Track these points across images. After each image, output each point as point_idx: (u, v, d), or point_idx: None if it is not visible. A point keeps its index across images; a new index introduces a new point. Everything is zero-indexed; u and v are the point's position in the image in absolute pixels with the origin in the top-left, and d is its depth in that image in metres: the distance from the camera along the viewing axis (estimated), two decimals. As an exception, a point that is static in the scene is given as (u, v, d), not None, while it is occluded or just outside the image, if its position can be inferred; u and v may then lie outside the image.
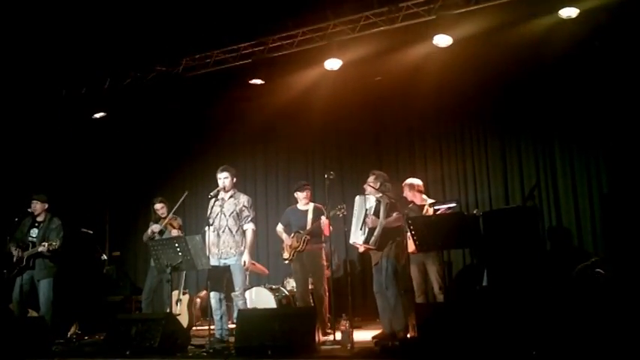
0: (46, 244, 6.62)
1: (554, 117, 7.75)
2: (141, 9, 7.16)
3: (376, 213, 5.89)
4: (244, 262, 6.00)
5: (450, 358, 4.46)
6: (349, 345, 5.18)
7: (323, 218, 6.64)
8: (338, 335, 5.68)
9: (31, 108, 8.91)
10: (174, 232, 7.13)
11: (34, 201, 6.99)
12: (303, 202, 6.98)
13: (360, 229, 5.97)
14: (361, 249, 6.13)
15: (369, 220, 5.91)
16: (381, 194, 5.94)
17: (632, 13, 6.81)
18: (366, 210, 5.96)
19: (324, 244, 6.88)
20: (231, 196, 6.20)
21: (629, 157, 7.11)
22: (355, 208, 6.09)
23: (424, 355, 4.55)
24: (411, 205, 6.42)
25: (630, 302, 5.02)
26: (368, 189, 6.17)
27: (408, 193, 6.52)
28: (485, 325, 4.49)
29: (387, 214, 5.88)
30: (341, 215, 6.44)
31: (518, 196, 7.82)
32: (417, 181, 6.61)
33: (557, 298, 5.18)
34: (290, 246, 6.84)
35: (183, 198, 6.73)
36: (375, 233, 5.85)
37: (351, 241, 6.12)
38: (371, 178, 6.16)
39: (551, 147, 7.77)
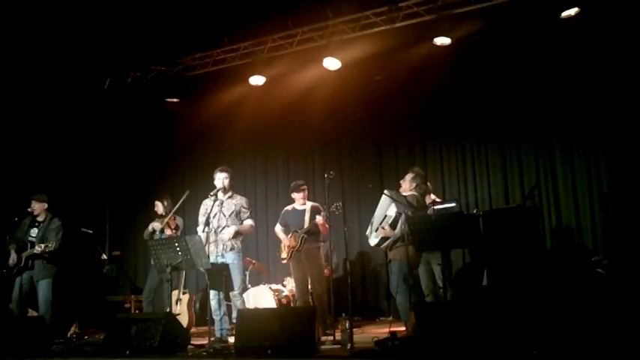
0: (42, 245, 6.61)
1: (554, 117, 7.76)
2: (141, 8, 7.16)
3: (393, 225, 5.82)
4: (230, 232, 6.09)
5: (449, 357, 4.46)
6: (349, 345, 5.17)
7: (318, 217, 6.63)
8: (338, 335, 5.68)
9: (31, 108, 8.91)
10: (168, 233, 7.14)
11: (33, 201, 6.98)
12: (300, 202, 6.97)
13: (375, 231, 5.99)
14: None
15: (383, 231, 5.89)
16: (409, 193, 5.94)
17: (633, 12, 6.82)
18: (385, 217, 5.92)
19: (322, 244, 6.87)
20: (229, 197, 6.27)
21: (629, 157, 7.12)
22: (379, 205, 6.08)
23: (424, 354, 4.54)
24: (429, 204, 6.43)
25: (630, 302, 5.02)
26: (403, 185, 6.16)
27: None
28: (485, 324, 4.49)
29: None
30: (337, 213, 6.44)
31: (518, 195, 7.84)
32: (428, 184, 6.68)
33: (557, 298, 5.18)
34: (288, 246, 6.84)
35: (184, 197, 6.74)
36: (387, 242, 5.89)
37: (367, 234, 6.20)
38: (409, 176, 6.14)
39: (551, 147, 7.78)
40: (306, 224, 6.74)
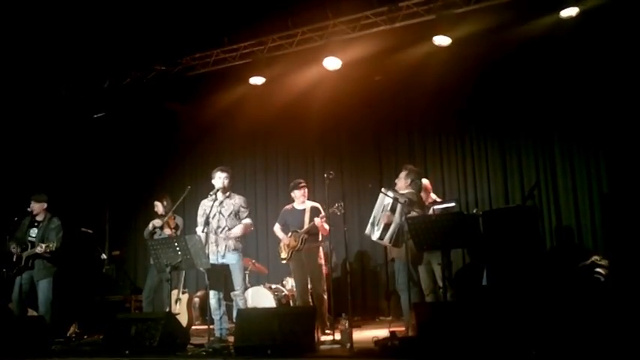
0: (44, 245, 6.61)
1: (554, 116, 7.76)
2: (141, 8, 7.16)
3: (392, 210, 5.93)
4: (237, 232, 6.15)
5: (449, 357, 4.46)
6: (349, 345, 5.18)
7: (316, 219, 6.61)
8: (337, 335, 5.68)
9: (31, 108, 8.91)
10: (167, 232, 7.14)
11: (33, 201, 6.98)
12: (300, 200, 6.95)
13: (376, 225, 6.06)
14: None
15: (384, 216, 5.97)
16: (406, 191, 6.00)
17: (632, 12, 6.81)
18: (384, 206, 6.04)
19: (322, 243, 6.86)
20: (227, 197, 6.26)
21: (629, 156, 7.11)
22: (378, 203, 6.18)
23: (424, 354, 4.54)
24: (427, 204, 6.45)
25: (630, 302, 5.01)
26: (398, 184, 6.23)
27: (422, 194, 6.54)
28: (485, 324, 4.49)
29: (406, 213, 5.91)
30: (339, 213, 6.44)
31: (517, 195, 7.83)
32: (427, 182, 6.71)
33: (557, 298, 5.18)
34: (288, 245, 6.82)
35: (186, 193, 6.74)
36: (390, 230, 5.92)
37: (366, 232, 6.22)
38: (402, 174, 6.24)
39: (551, 146, 7.78)
40: (306, 224, 6.73)
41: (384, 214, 5.97)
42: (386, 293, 8.56)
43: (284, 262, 6.97)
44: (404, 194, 5.97)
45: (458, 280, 7.55)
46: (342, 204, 6.42)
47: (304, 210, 6.85)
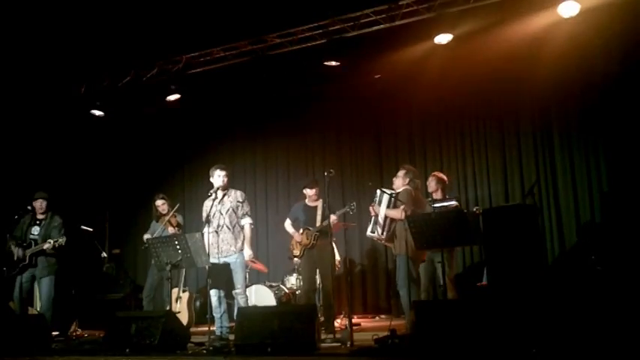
0: (52, 241, 6.61)
1: (553, 114, 7.76)
2: (140, 6, 7.15)
3: (379, 203, 6.15)
4: (248, 255, 6.14)
5: (449, 356, 4.46)
6: (349, 342, 5.18)
7: (332, 216, 6.60)
8: (337, 325, 5.71)
9: (31, 107, 8.91)
10: (171, 230, 7.14)
11: (39, 199, 6.96)
12: (312, 198, 6.94)
13: (370, 222, 6.29)
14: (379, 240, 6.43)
15: (370, 209, 6.25)
16: (402, 189, 6.15)
17: (632, 11, 6.81)
18: (374, 202, 6.28)
19: (332, 240, 6.86)
20: (225, 195, 6.22)
21: (629, 154, 7.12)
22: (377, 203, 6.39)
23: (423, 352, 4.55)
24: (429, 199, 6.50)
25: (630, 301, 5.02)
26: (396, 182, 6.35)
27: (432, 184, 6.58)
28: (484, 323, 4.49)
29: (392, 206, 6.02)
30: (351, 213, 6.48)
31: (517, 193, 7.84)
32: (444, 177, 6.74)
33: (557, 297, 5.18)
34: (300, 243, 6.82)
35: (175, 209, 6.87)
36: (379, 222, 6.10)
37: (368, 233, 6.43)
38: (401, 172, 6.37)
39: (550, 145, 7.79)
40: (319, 221, 6.73)
41: (370, 208, 6.28)
42: (386, 291, 8.57)
43: (296, 259, 6.97)
44: (398, 192, 6.07)
45: (458, 279, 7.56)
46: (354, 204, 6.53)
47: (316, 207, 6.85)
